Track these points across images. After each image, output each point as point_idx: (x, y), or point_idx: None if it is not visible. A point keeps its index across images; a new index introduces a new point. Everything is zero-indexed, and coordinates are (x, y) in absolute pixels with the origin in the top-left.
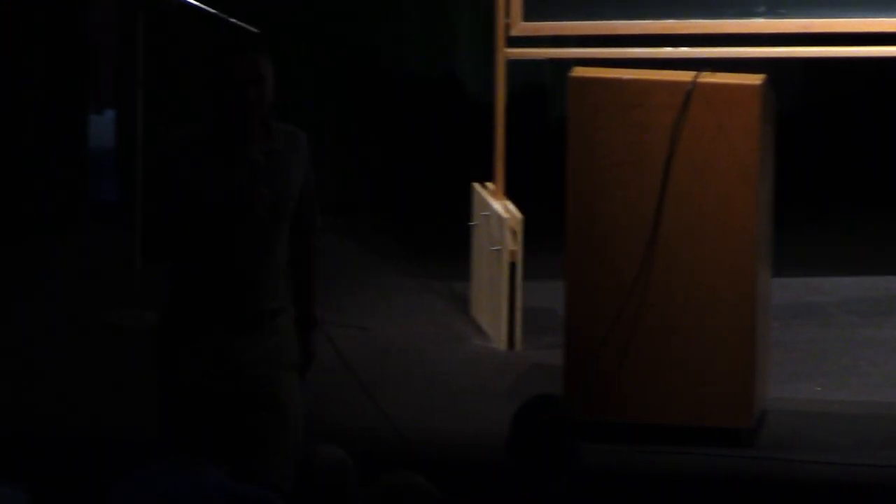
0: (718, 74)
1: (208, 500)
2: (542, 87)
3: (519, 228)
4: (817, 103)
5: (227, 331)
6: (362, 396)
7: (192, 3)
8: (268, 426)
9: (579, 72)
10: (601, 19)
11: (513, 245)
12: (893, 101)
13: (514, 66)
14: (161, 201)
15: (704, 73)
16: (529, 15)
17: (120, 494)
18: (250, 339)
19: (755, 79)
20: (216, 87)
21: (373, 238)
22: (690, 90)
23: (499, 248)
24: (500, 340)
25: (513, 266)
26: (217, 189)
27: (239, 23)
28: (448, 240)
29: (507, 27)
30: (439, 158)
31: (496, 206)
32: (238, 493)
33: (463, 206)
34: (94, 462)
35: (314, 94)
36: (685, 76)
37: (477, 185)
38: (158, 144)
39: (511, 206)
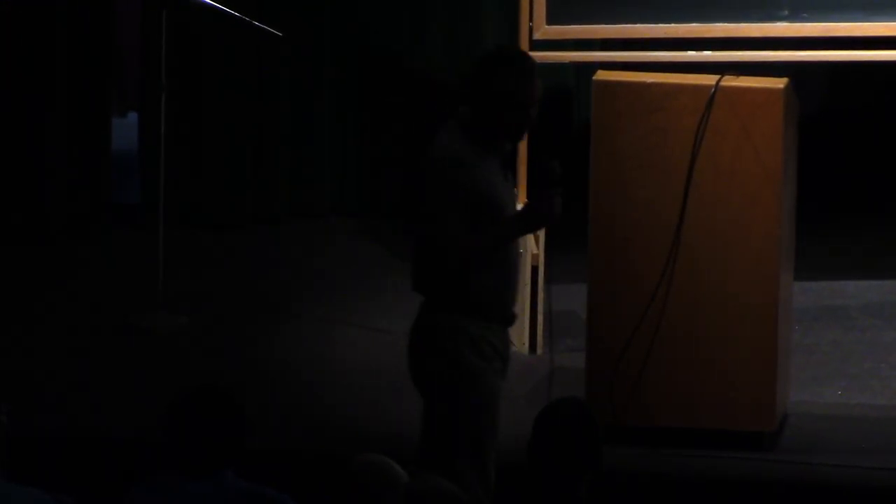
0: (741, 78)
1: (229, 501)
2: (567, 90)
3: (541, 232)
4: (840, 107)
5: (503, 330)
6: (388, 399)
7: (215, 6)
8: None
9: (603, 75)
10: (624, 22)
11: (535, 248)
12: None
13: (539, 69)
14: (465, 214)
15: (728, 77)
16: (553, 18)
17: (141, 497)
18: (508, 337)
19: (778, 82)
20: (498, 108)
21: (395, 241)
22: (713, 94)
23: (521, 251)
24: (521, 344)
25: (535, 269)
26: (502, 199)
27: (262, 25)
28: None
29: (532, 30)
30: None
31: (519, 208)
32: (257, 494)
33: None
34: (118, 464)
35: (338, 96)
36: (708, 80)
37: None
38: (451, 157)
39: None
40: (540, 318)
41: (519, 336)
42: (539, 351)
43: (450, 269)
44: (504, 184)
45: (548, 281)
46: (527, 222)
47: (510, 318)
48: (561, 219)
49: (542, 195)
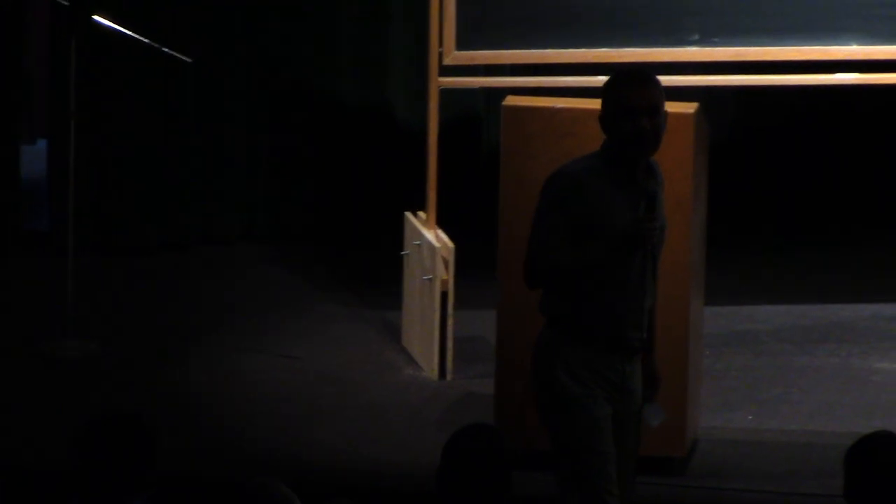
0: None
1: None
2: (476, 115)
3: (451, 258)
4: (751, 131)
5: (615, 357)
6: (298, 425)
7: (124, 33)
8: (634, 450)
9: (512, 100)
10: (535, 48)
11: (444, 274)
12: (824, 130)
13: (448, 94)
14: (556, 231)
15: None
16: (463, 44)
17: None
18: (633, 367)
19: (689, 107)
20: (612, 118)
21: (306, 267)
22: None
23: (430, 277)
24: (431, 370)
25: (444, 295)
26: (611, 220)
27: (171, 52)
28: (380, 269)
29: (441, 56)
30: (372, 188)
31: (428, 235)
32: None
33: (395, 236)
34: (27, 494)
35: (248, 123)
36: None
37: (409, 215)
38: (557, 175)
39: (443, 236)
40: (450, 343)
41: (428, 362)
42: (449, 377)
43: (530, 284)
44: (623, 205)
45: (457, 307)
46: (619, 247)
47: (622, 345)
48: (654, 245)
49: (636, 221)
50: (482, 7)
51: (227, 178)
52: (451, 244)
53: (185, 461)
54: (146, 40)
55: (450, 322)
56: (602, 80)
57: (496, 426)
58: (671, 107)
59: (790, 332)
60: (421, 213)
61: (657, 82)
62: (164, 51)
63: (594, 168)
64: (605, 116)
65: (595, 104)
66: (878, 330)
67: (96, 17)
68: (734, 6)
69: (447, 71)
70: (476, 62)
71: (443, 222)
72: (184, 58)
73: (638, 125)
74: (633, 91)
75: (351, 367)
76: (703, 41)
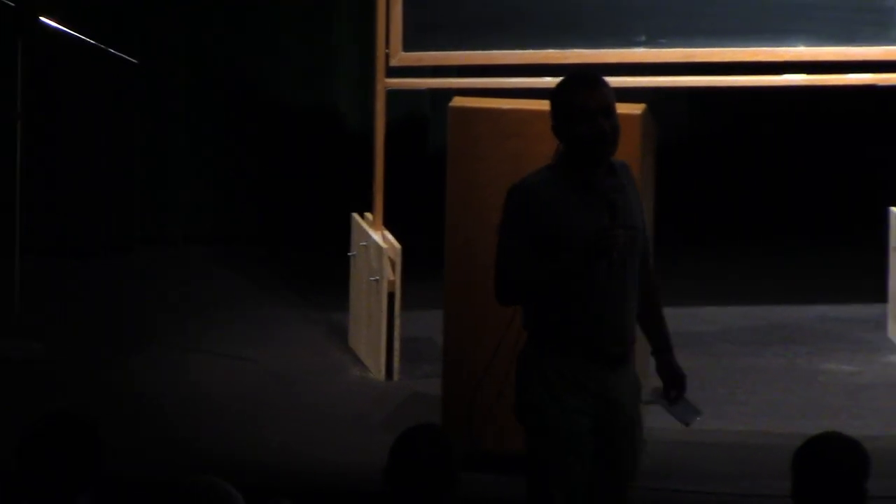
0: None
1: None
2: (422, 117)
3: (397, 259)
4: (699, 132)
5: (594, 367)
6: (245, 426)
7: (70, 33)
8: (624, 461)
9: (459, 101)
10: (481, 49)
11: (391, 275)
12: (773, 132)
13: (394, 96)
14: (520, 247)
15: None
16: (409, 45)
17: None
18: (615, 375)
19: (636, 108)
20: (568, 122)
21: (252, 269)
22: None
23: (377, 278)
24: (378, 371)
25: (391, 296)
26: (572, 232)
27: (117, 53)
28: (327, 270)
29: (387, 57)
30: (319, 189)
31: (375, 236)
32: None
33: (342, 237)
34: None
35: (194, 124)
36: None
37: (356, 216)
38: (515, 190)
39: (390, 237)
40: (396, 344)
41: (375, 363)
42: (396, 377)
43: (501, 300)
44: (586, 212)
45: (404, 308)
46: (584, 257)
47: (601, 354)
48: (622, 251)
49: (598, 230)
50: (429, 8)
51: (171, 179)
52: (397, 245)
53: (130, 461)
54: (92, 41)
55: (396, 323)
56: (549, 80)
57: (443, 427)
58: (618, 108)
59: (737, 333)
60: (368, 214)
61: (606, 83)
62: (109, 52)
63: (551, 179)
64: (559, 122)
65: (542, 105)
66: (823, 331)
67: (43, 19)
68: (681, 8)
69: (394, 72)
70: (423, 63)
71: (389, 223)
72: (129, 59)
73: (597, 126)
74: (586, 93)
75: (297, 368)
76: (650, 42)
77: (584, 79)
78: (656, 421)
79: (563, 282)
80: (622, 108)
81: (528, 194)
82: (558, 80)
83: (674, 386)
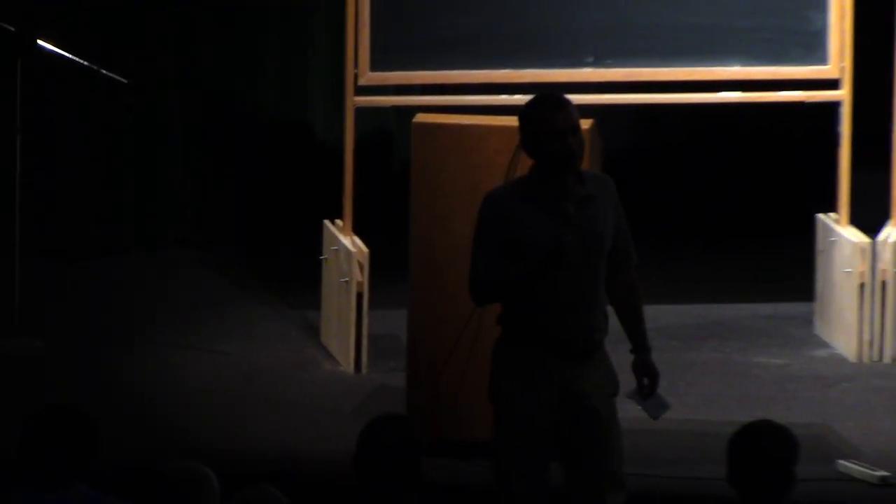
0: None
1: None
2: (388, 131)
3: (365, 262)
4: (643, 146)
5: (557, 362)
6: (225, 415)
7: (67, 56)
8: (592, 451)
9: (422, 118)
10: (442, 69)
11: (360, 277)
12: (710, 145)
13: (363, 112)
14: (489, 251)
15: None
16: (376, 65)
17: None
18: (580, 370)
19: (584, 123)
20: (539, 141)
21: (233, 271)
22: None
23: (347, 279)
24: (348, 365)
25: (360, 296)
26: (533, 239)
27: (109, 73)
28: (301, 272)
29: (356, 77)
30: (294, 197)
31: (345, 241)
32: (103, 503)
33: (315, 242)
34: None
35: (181, 138)
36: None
37: (327, 222)
38: (486, 199)
39: (358, 241)
40: (365, 340)
41: (345, 357)
42: (364, 370)
43: (475, 301)
44: (547, 221)
45: (371, 307)
46: (539, 261)
47: (562, 349)
48: (569, 256)
49: (553, 238)
50: (394, 32)
51: (160, 188)
52: (365, 249)
53: (123, 449)
54: (85, 63)
55: (365, 321)
56: (505, 98)
57: (407, 416)
58: None
59: (677, 329)
60: (338, 221)
61: (571, 103)
62: (102, 72)
63: (520, 190)
64: (530, 140)
65: (499, 121)
66: (756, 328)
67: (41, 42)
68: (626, 30)
69: (362, 91)
70: (388, 83)
71: (358, 229)
72: (120, 78)
73: (566, 144)
74: (555, 114)
75: (274, 363)
76: (598, 63)
77: (553, 100)
78: (622, 412)
79: (525, 284)
80: None
81: (496, 203)
82: (514, 97)
83: (646, 383)
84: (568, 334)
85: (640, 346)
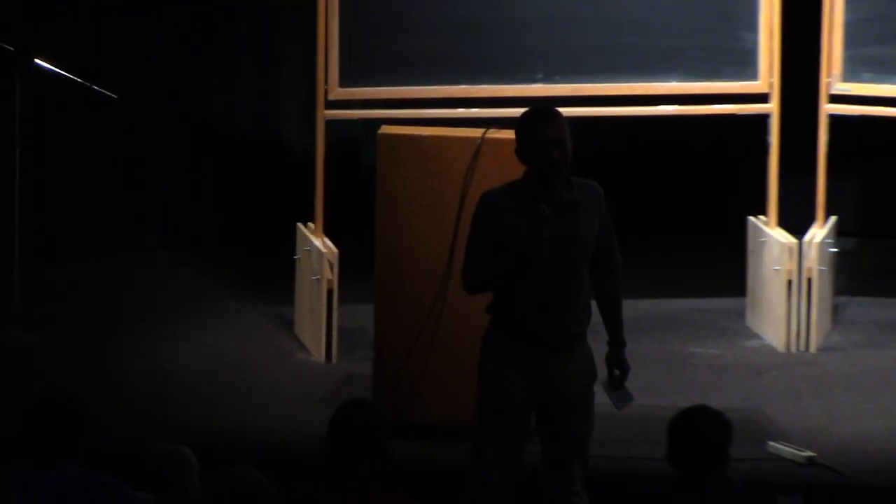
0: (503, 131)
1: (75, 487)
2: (356, 142)
3: (335, 261)
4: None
5: (535, 351)
6: (205, 401)
7: (62, 74)
8: (565, 430)
9: (387, 129)
10: (405, 85)
11: (330, 275)
12: (650, 153)
13: (333, 124)
14: (481, 245)
15: (491, 130)
16: (344, 82)
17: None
18: (557, 360)
19: None
20: (527, 150)
21: (214, 270)
22: (479, 144)
23: (318, 277)
24: (319, 355)
25: (330, 292)
26: (513, 237)
27: (100, 89)
28: (276, 271)
29: (327, 92)
30: (270, 202)
31: (316, 242)
32: (97, 481)
33: (289, 243)
34: None
35: (165, 149)
36: (475, 133)
37: (300, 225)
38: (481, 199)
39: (328, 242)
40: (335, 332)
41: (316, 348)
42: (334, 360)
43: (467, 290)
44: (526, 222)
45: (341, 302)
46: (514, 257)
47: (538, 340)
48: (541, 255)
49: (528, 238)
50: (360, 52)
51: (147, 194)
52: (335, 249)
53: (111, 432)
54: (79, 80)
55: (335, 315)
56: (462, 111)
57: (373, 402)
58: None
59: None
60: (310, 224)
61: (560, 117)
62: (93, 88)
63: (510, 192)
64: (521, 149)
65: (456, 132)
66: (693, 321)
67: (37, 61)
68: (573, 49)
69: (332, 105)
70: (355, 97)
71: (328, 231)
72: (110, 94)
73: (549, 155)
74: (542, 127)
75: (251, 353)
76: (547, 79)
77: (543, 114)
78: None
79: (505, 279)
80: None
81: (489, 202)
82: (470, 110)
83: (617, 374)
84: (543, 327)
85: (615, 340)
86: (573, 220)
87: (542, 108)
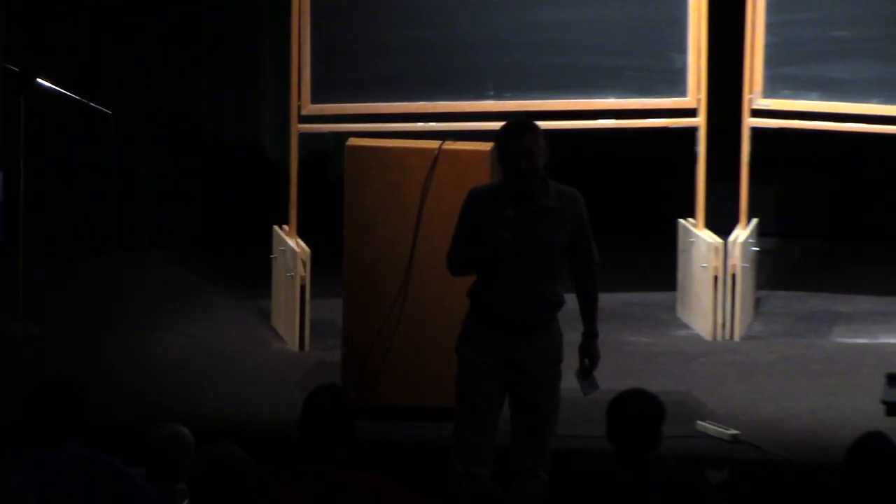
0: (458, 143)
1: (74, 466)
2: (326, 153)
3: (307, 259)
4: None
5: (504, 334)
6: (189, 387)
7: (61, 92)
8: (530, 404)
9: (354, 141)
10: (370, 101)
11: (303, 272)
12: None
13: (305, 137)
14: (462, 235)
15: (447, 142)
16: (316, 98)
17: (4, 465)
18: (524, 342)
19: (486, 146)
20: (500, 158)
21: (199, 267)
22: (437, 155)
23: (292, 274)
24: (293, 344)
25: (303, 288)
26: (485, 232)
27: (96, 105)
28: (255, 268)
29: (300, 108)
30: (249, 206)
31: (290, 242)
32: (94, 459)
33: (266, 243)
34: None
35: (155, 157)
36: (433, 144)
37: (276, 227)
38: (468, 194)
39: (301, 243)
40: (308, 323)
41: (291, 338)
42: (307, 348)
43: (451, 272)
44: (496, 221)
45: (313, 297)
46: (482, 250)
47: (504, 325)
48: (504, 251)
49: (497, 236)
50: (330, 71)
51: (138, 198)
52: (307, 249)
53: (107, 415)
54: (77, 97)
55: (307, 308)
56: (422, 125)
57: (342, 386)
58: (472, 146)
59: (562, 314)
60: (285, 226)
61: (534, 129)
62: (90, 105)
63: (492, 192)
64: (498, 158)
65: (416, 144)
66: (628, 313)
67: (39, 80)
68: (520, 69)
69: (304, 119)
70: (326, 113)
71: (301, 232)
72: (105, 110)
73: (517, 165)
74: (513, 140)
75: (232, 343)
76: (497, 96)
77: (516, 128)
78: None
79: (478, 268)
80: (474, 146)
81: (473, 198)
82: (428, 124)
83: (587, 363)
84: (507, 313)
85: (588, 332)
86: (543, 224)
87: (518, 122)
